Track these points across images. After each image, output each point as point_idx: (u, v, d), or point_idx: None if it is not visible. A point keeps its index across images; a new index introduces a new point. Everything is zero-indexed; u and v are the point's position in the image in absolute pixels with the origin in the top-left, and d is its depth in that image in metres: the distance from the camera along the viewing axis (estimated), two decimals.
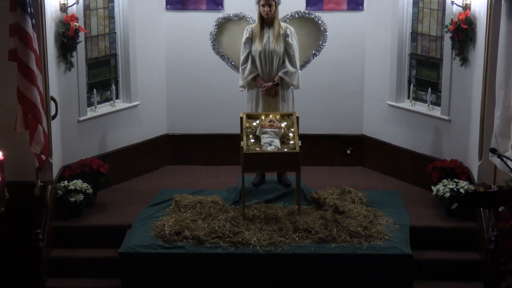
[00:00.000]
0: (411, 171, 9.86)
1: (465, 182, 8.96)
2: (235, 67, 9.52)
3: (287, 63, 9.14)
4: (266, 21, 9.13)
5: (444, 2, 9.36)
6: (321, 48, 9.51)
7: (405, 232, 8.62)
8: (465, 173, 9.15)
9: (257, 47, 9.12)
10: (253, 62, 9.16)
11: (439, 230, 8.82)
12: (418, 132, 9.77)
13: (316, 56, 9.57)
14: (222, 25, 9.52)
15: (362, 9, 10.05)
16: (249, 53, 9.16)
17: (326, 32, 9.46)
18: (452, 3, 9.12)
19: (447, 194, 8.88)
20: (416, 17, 9.70)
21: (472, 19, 9.02)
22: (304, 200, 9.11)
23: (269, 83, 9.17)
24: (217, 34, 9.50)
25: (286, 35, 9.13)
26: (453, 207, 8.68)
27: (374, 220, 8.76)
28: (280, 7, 9.15)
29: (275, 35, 9.09)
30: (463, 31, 9.06)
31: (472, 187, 8.94)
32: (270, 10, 9.05)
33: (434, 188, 9.04)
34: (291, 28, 9.20)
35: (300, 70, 9.32)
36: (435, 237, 8.81)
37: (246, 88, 9.31)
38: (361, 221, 8.67)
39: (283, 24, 9.20)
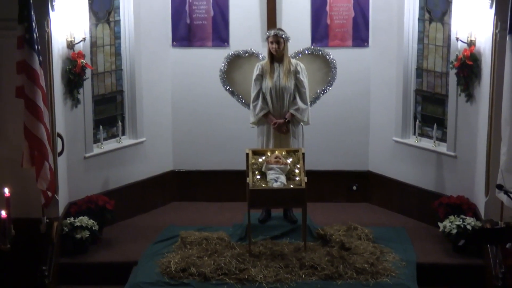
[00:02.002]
0: (417, 207, 9.85)
1: (471, 219, 8.95)
2: (246, 104, 9.56)
3: (298, 99, 9.20)
4: (276, 57, 9.19)
5: (449, 39, 9.42)
6: (331, 84, 9.56)
7: (411, 269, 8.60)
8: (471, 210, 9.14)
9: (267, 83, 9.20)
10: (264, 98, 9.23)
11: (446, 266, 8.80)
12: (424, 168, 9.78)
13: (325, 93, 9.63)
14: (232, 61, 9.52)
15: (367, 45, 10.12)
16: (260, 89, 9.23)
17: (336, 68, 9.53)
18: (457, 39, 9.18)
19: (454, 231, 8.86)
20: (421, 53, 9.76)
21: (477, 55, 9.07)
22: (310, 237, 9.09)
23: (280, 120, 9.23)
24: (227, 70, 9.53)
25: (296, 72, 9.20)
26: (460, 243, 8.68)
27: (381, 257, 8.74)
28: (289, 44, 9.22)
29: (285, 71, 9.16)
30: (468, 67, 9.11)
31: (479, 224, 8.92)
32: (278, 47, 9.12)
33: (440, 225, 9.02)
34: (301, 64, 9.27)
35: (310, 106, 9.38)
36: (442, 274, 8.79)
37: (257, 125, 9.36)
38: (368, 257, 8.64)
39: (293, 61, 9.27)
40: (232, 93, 9.62)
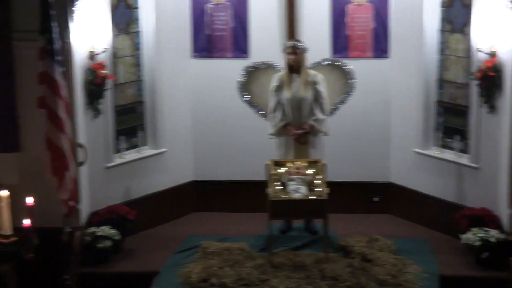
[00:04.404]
0: (439, 219, 9.80)
1: (494, 231, 8.90)
2: (264, 115, 9.61)
3: (317, 110, 9.23)
4: (294, 68, 9.20)
5: (470, 50, 9.39)
6: (349, 94, 9.60)
7: (434, 281, 8.57)
8: (494, 222, 9.08)
9: (286, 94, 9.22)
10: (283, 109, 9.24)
11: (468, 279, 8.77)
12: (446, 180, 9.75)
13: (343, 103, 9.65)
14: (251, 73, 9.58)
15: (387, 57, 10.14)
16: (279, 100, 9.25)
17: (354, 78, 9.53)
18: (479, 50, 9.17)
19: (477, 243, 8.83)
20: (442, 64, 9.75)
21: (499, 66, 9.02)
22: (331, 248, 9.05)
23: (299, 131, 9.25)
24: (245, 82, 9.58)
25: (315, 82, 9.21)
26: (483, 256, 8.65)
27: (403, 269, 8.70)
28: (309, 55, 9.25)
29: (303, 82, 9.18)
30: (490, 78, 9.08)
31: (502, 236, 8.87)
32: (296, 58, 9.14)
33: (463, 237, 8.98)
34: (320, 75, 9.28)
35: (329, 117, 9.40)
36: (465, 286, 8.76)
37: (276, 136, 9.37)
38: (389, 269, 8.62)
39: (311, 71, 9.28)
40: (250, 104, 9.66)
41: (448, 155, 9.80)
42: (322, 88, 9.26)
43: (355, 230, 9.68)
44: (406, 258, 8.98)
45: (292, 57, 9.14)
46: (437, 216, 9.87)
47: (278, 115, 9.25)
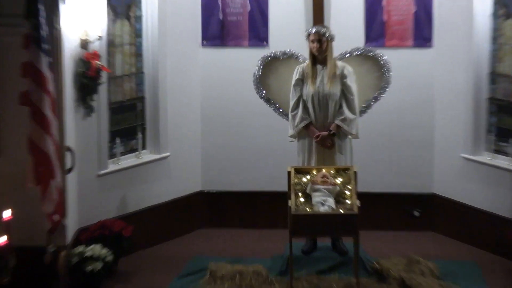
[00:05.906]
0: (492, 237, 9.65)
1: None
2: (283, 114, 9.44)
3: (345, 108, 9.03)
4: (319, 59, 9.03)
5: None
6: (384, 90, 9.41)
7: None
8: None
9: (309, 90, 9.03)
10: (305, 107, 9.08)
11: None
12: (500, 191, 9.58)
13: (377, 100, 9.46)
14: (268, 65, 9.40)
15: (430, 46, 10.09)
16: (300, 97, 9.09)
17: (390, 72, 9.35)
18: None
19: None
20: (496, 55, 9.65)
21: None
22: (364, 271, 8.89)
23: (324, 132, 9.06)
24: (262, 75, 9.39)
25: (343, 76, 9.01)
26: None
27: None
28: (336, 44, 9.04)
29: (329, 75, 8.99)
30: None
31: None
32: (320, 47, 8.95)
33: None
34: (349, 67, 9.09)
35: (360, 116, 9.25)
36: None
37: (297, 138, 9.17)
38: None
39: (339, 63, 9.10)
40: (268, 101, 9.51)
41: (502, 161, 9.67)
42: (352, 82, 9.08)
43: (391, 250, 9.59)
44: (452, 283, 8.80)
45: (315, 45, 8.96)
46: (488, 233, 9.73)
47: (299, 113, 9.09)
